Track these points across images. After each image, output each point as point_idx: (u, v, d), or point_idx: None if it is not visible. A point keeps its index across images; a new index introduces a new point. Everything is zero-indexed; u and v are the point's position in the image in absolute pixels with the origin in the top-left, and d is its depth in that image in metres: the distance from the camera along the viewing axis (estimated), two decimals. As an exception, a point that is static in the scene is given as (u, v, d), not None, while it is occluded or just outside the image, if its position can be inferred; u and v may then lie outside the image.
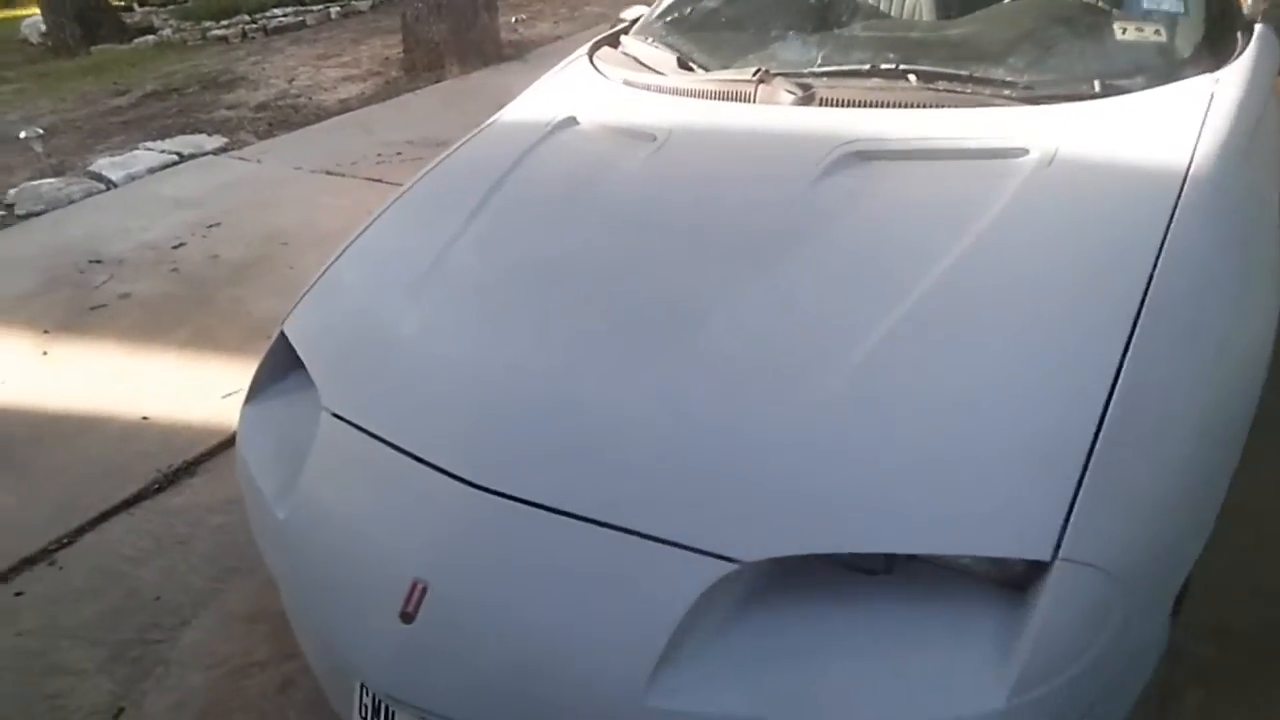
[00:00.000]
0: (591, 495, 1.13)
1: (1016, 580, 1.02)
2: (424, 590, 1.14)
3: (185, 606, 1.91)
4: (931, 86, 1.71)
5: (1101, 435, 1.05)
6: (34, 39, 8.74)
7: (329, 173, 4.43)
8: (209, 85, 6.53)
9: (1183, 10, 1.82)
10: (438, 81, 5.98)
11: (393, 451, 1.30)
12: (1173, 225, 1.29)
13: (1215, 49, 1.72)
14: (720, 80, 1.92)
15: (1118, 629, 1.00)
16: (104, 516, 2.22)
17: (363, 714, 1.28)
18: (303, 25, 8.34)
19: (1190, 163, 1.40)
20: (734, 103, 1.86)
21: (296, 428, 1.56)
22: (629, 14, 2.53)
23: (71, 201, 4.36)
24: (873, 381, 1.15)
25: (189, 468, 2.37)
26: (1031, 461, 1.06)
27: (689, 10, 2.37)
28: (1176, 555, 1.13)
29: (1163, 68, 1.69)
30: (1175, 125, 1.50)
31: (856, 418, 1.12)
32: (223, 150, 4.98)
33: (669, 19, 2.31)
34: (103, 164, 4.76)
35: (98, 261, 3.67)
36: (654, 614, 1.04)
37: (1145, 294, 1.20)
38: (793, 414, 1.14)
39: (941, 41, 1.93)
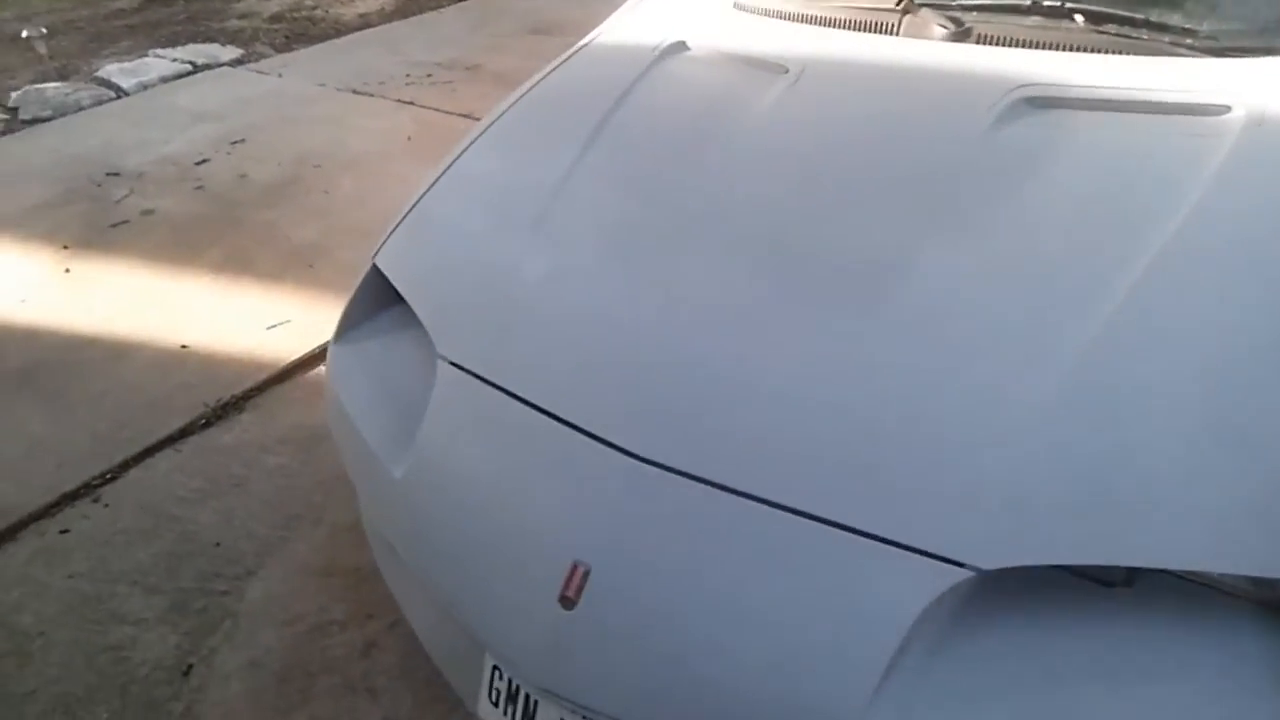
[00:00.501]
0: (793, 482, 0.99)
1: None
2: (586, 574, 1.01)
3: (248, 555, 1.78)
4: (1101, 30, 1.54)
5: None
6: (22, -69, 8.21)
7: (356, 92, 4.18)
8: (217, -9, 6.17)
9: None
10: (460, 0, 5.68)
11: (533, 412, 1.16)
12: None
13: None
14: (857, 8, 1.74)
15: None
16: (148, 452, 2.07)
17: (493, 697, 1.17)
18: (312, -67, 7.89)
19: None
20: (874, 35, 1.69)
21: (399, 372, 1.42)
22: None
23: (81, 108, 4.09)
24: (1112, 369, 1.01)
25: (237, 403, 2.22)
26: None
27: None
28: None
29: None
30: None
31: (1097, 411, 0.99)
32: (239, 62, 4.69)
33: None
34: (111, 70, 4.46)
35: (115, 174, 3.44)
36: (875, 623, 0.90)
37: None
38: (1023, 404, 0.99)
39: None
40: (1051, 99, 1.42)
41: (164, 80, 4.39)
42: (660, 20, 1.93)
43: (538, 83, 1.84)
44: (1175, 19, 1.53)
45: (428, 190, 1.61)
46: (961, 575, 0.90)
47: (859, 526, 0.94)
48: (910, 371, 1.05)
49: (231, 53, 4.78)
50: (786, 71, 1.62)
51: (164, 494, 1.95)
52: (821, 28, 1.74)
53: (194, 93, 4.26)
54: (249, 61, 4.71)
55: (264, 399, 2.25)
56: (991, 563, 0.90)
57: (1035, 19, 1.59)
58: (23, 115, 4.03)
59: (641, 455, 1.05)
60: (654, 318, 1.20)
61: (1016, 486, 0.94)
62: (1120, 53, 1.49)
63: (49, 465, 2.03)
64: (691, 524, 1.01)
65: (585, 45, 1.98)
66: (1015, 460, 0.96)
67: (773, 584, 0.95)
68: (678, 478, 1.03)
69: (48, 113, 4.02)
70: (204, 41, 5.01)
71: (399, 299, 1.53)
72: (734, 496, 0.99)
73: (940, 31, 1.62)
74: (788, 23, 1.78)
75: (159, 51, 4.77)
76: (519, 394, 1.19)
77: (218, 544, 1.81)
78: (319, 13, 5.60)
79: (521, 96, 1.80)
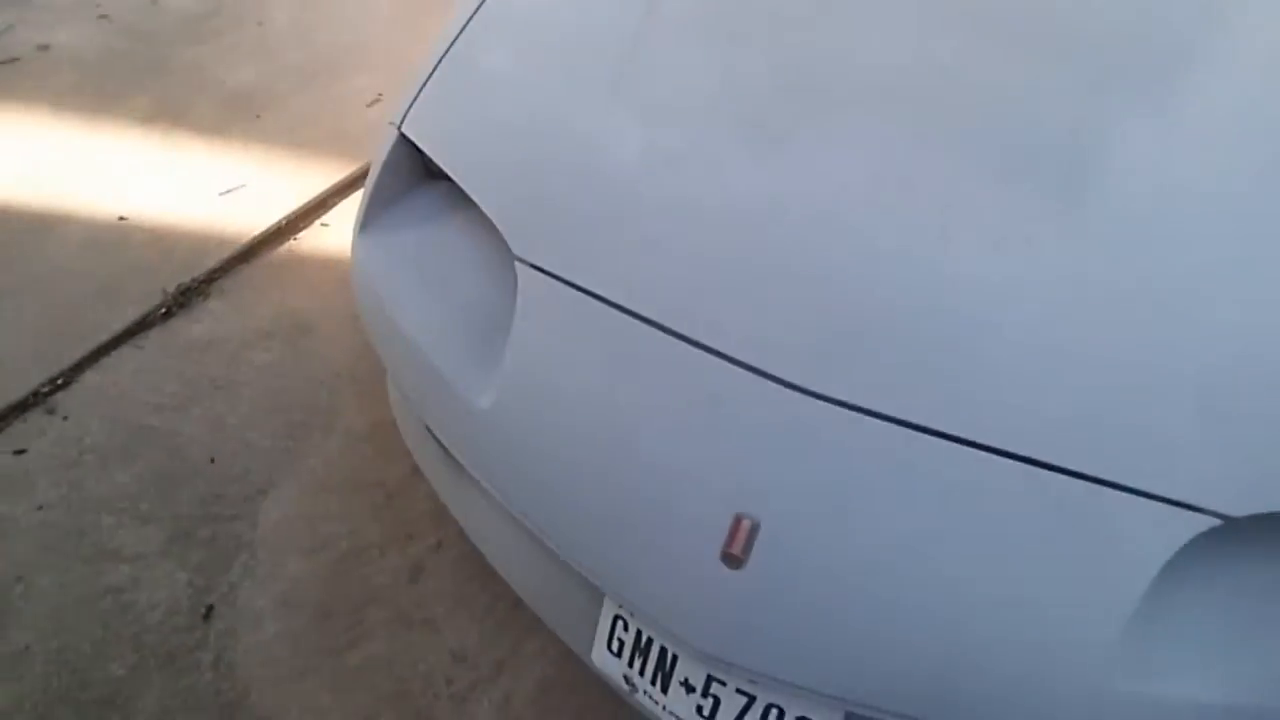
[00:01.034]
0: (1011, 424, 0.81)
1: None
2: (753, 529, 0.83)
3: (253, 472, 1.54)
4: None
5: None
6: None
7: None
8: None
9: None
10: None
11: (660, 334, 0.93)
12: None
13: None
14: None
15: None
16: (104, 350, 1.75)
17: (614, 647, 1.01)
18: None
19: None
20: None
21: (454, 272, 1.17)
22: None
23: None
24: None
25: (200, 287, 1.89)
26: None
27: None
28: None
29: None
30: None
31: None
32: None
33: None
34: None
35: (-11, -2, 2.84)
36: (1114, 575, 0.78)
37: None
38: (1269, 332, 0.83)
39: None
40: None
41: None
42: None
43: None
44: None
45: (459, 35, 1.28)
46: (1209, 523, 0.78)
47: (1093, 473, 0.79)
48: (1139, 291, 0.86)
49: None
50: None
51: (134, 401, 1.66)
52: None
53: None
54: None
55: (231, 282, 1.93)
56: (1241, 509, 0.78)
57: None
58: None
59: (815, 391, 0.86)
60: (802, 213, 0.96)
61: (1262, 428, 0.80)
62: None
63: (-18, 369, 1.71)
64: (889, 470, 0.83)
65: None
66: (1259, 398, 0.81)
67: (988, 535, 0.80)
68: (863, 418, 0.84)
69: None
70: None
71: (433, 175, 1.25)
72: (929, 438, 0.81)
73: None
74: None
75: None
76: (636, 310, 0.96)
77: (212, 460, 1.56)
78: None
79: None
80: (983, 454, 0.80)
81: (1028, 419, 0.82)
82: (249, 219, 2.06)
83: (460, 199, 1.23)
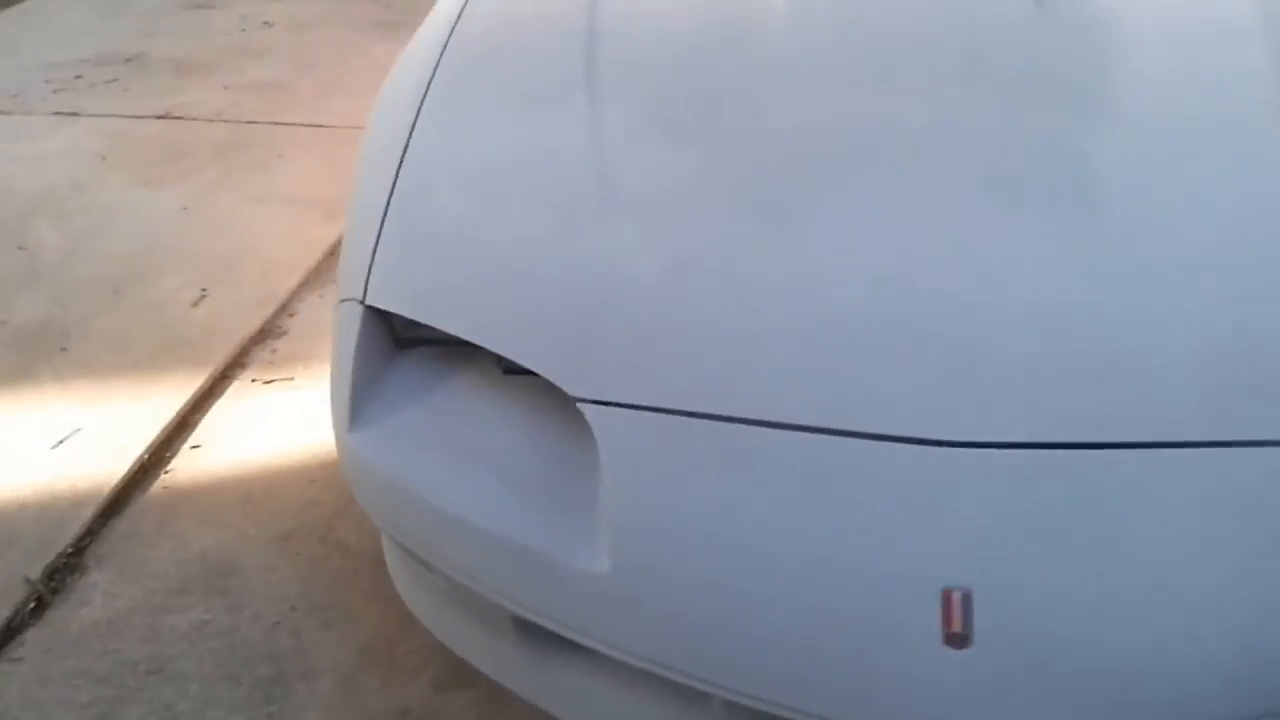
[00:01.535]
0: (1187, 410, 0.84)
1: None
2: (966, 598, 0.79)
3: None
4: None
5: None
6: None
7: (-18, 113, 3.14)
8: None
9: None
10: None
11: (770, 431, 0.88)
12: None
13: None
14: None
15: None
16: (-30, 677, 1.38)
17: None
18: None
19: None
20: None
21: (484, 437, 1.03)
22: None
23: None
24: None
25: (72, 562, 1.54)
26: None
27: None
28: None
29: None
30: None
31: None
32: None
33: None
34: None
35: None
36: None
37: None
38: None
39: None
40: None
41: None
42: None
43: (445, 31, 1.42)
44: None
45: (391, 193, 1.18)
46: None
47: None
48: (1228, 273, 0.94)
49: None
50: None
51: (37, 727, 1.31)
52: None
53: None
54: None
55: (108, 544, 1.60)
56: None
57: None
58: None
59: (979, 441, 0.84)
60: (873, 271, 0.96)
61: None
62: None
63: None
64: (1096, 502, 0.82)
65: None
66: None
67: (1246, 532, 0.80)
68: (1039, 452, 0.83)
69: None
70: None
71: (402, 343, 1.13)
72: (1153, 451, 0.82)
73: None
74: None
75: None
76: (743, 416, 0.90)
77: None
78: None
79: (434, 50, 1.38)
80: (1184, 451, 0.81)
81: (1205, 402, 0.83)
82: (100, 466, 1.73)
83: (451, 358, 1.11)
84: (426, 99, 1.29)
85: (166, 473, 1.75)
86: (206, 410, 1.89)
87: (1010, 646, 0.78)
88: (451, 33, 1.41)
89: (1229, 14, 1.26)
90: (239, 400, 1.91)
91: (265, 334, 2.09)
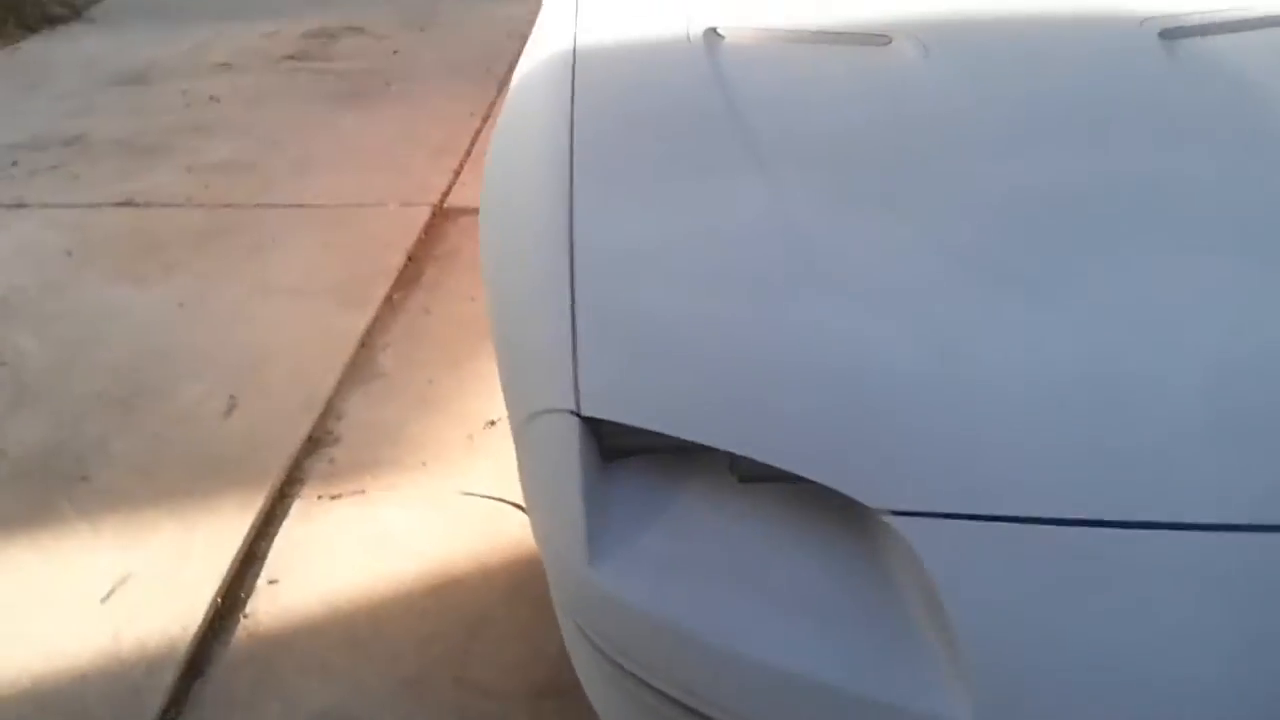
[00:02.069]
0: None
1: None
2: None
3: None
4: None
5: None
6: None
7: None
8: None
9: None
10: (-39, 59, 4.11)
11: (1139, 533, 0.82)
12: None
13: None
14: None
15: None
16: None
17: None
18: None
19: None
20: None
21: (755, 560, 0.92)
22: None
23: None
24: None
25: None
26: None
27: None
28: None
29: None
30: None
31: None
32: None
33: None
34: None
35: None
36: None
37: None
38: None
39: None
40: (1185, 28, 1.40)
41: None
42: (630, 12, 1.53)
43: (562, 106, 1.32)
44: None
45: (573, 283, 1.06)
46: None
47: None
48: None
49: None
50: (890, 42, 1.38)
51: None
52: None
53: None
54: None
55: (199, 714, 1.37)
56: None
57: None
58: None
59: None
60: (1164, 339, 0.94)
61: None
62: None
63: None
64: None
65: (550, 58, 1.48)
66: None
67: None
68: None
69: None
70: None
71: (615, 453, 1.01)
72: None
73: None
74: None
75: None
76: (1084, 517, 0.84)
77: None
78: None
79: (557, 127, 1.29)
80: None
81: None
82: (165, 618, 1.50)
83: (667, 466, 1.00)
84: (577, 179, 1.19)
85: (245, 616, 1.53)
86: (273, 536, 1.68)
87: None
88: (573, 106, 1.31)
89: None
90: (308, 522, 1.71)
91: (316, 442, 1.89)
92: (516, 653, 1.44)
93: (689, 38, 1.42)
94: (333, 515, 1.72)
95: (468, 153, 3.14)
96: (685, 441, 0.95)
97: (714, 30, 1.44)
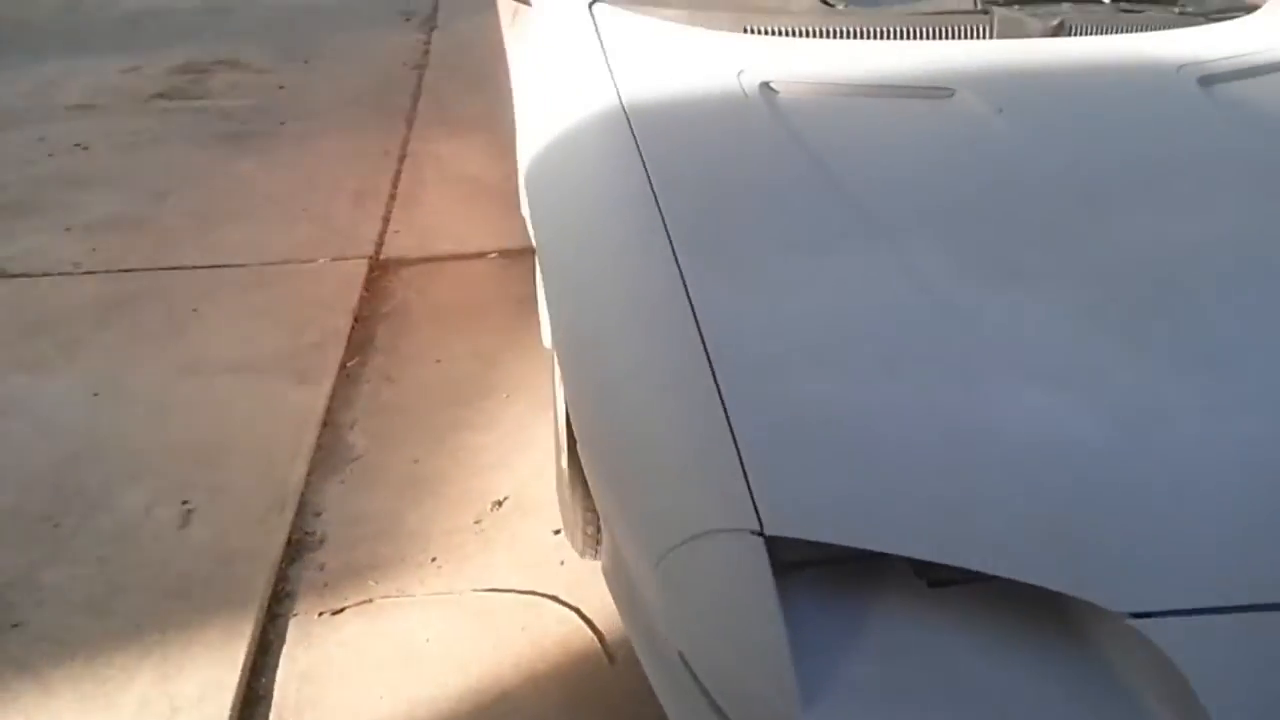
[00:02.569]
0: None
1: None
2: None
3: None
4: (1135, 8, 1.60)
5: None
6: None
7: None
8: None
9: None
10: None
11: None
12: None
13: None
14: (932, 14, 1.50)
15: None
16: None
17: None
18: None
19: None
20: (972, 41, 1.48)
21: (997, 683, 0.83)
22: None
23: None
24: None
25: None
26: None
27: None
28: None
29: None
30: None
31: None
32: None
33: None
34: None
35: None
36: None
37: None
38: None
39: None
40: (1220, 74, 1.42)
41: None
42: (676, 69, 1.43)
43: (638, 185, 1.19)
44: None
45: (718, 385, 0.94)
46: None
47: None
48: None
49: None
50: (953, 94, 1.34)
51: None
52: (900, 41, 1.47)
53: None
54: None
55: None
56: None
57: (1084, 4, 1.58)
58: None
59: None
60: None
61: None
62: (1180, 26, 1.56)
63: None
64: None
65: (596, 120, 1.35)
66: None
67: None
68: None
69: None
70: None
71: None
72: None
73: (1036, 25, 1.49)
74: (845, 41, 1.46)
75: None
76: None
77: None
78: None
79: (639, 208, 1.16)
80: None
81: None
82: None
83: (852, 581, 0.89)
84: (686, 268, 1.06)
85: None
86: (273, 669, 1.43)
87: None
88: (651, 182, 1.18)
89: None
90: (311, 645, 1.47)
91: (299, 547, 1.64)
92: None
93: (745, 93, 1.32)
94: (340, 634, 1.49)
95: (392, 196, 2.91)
96: (877, 553, 0.84)
97: (768, 85, 1.34)
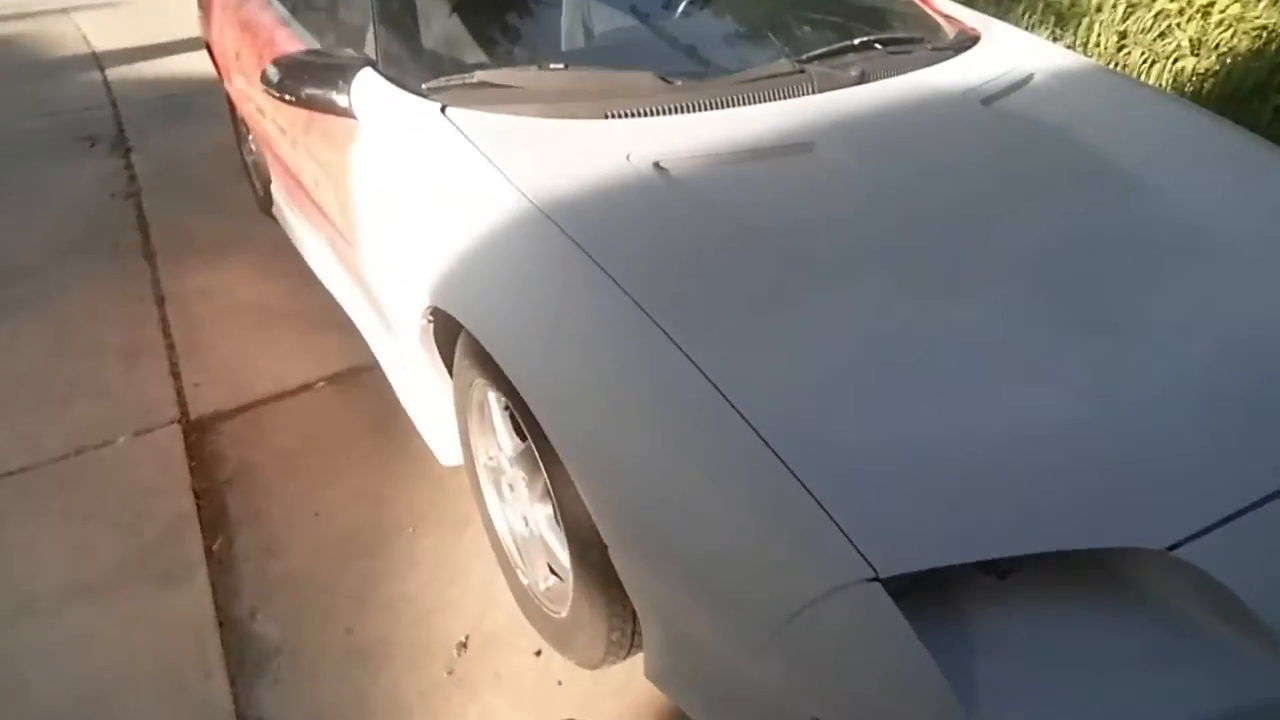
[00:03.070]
0: None
1: None
2: None
3: None
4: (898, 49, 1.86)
5: None
6: None
7: None
8: None
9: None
10: None
11: None
12: None
13: None
14: (762, 79, 1.65)
15: None
16: None
17: None
18: None
19: None
20: (802, 98, 1.65)
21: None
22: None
23: None
24: None
25: None
26: None
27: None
28: None
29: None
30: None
31: None
32: None
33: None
34: None
35: None
36: None
37: None
38: None
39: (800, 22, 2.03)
40: (994, 93, 1.72)
41: None
42: (569, 157, 1.47)
43: (582, 267, 1.23)
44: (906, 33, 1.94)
45: (786, 459, 1.01)
46: None
47: None
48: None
49: None
50: (812, 146, 1.52)
51: None
52: (742, 107, 1.60)
53: None
54: None
55: None
56: None
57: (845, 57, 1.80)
58: None
59: None
60: None
61: None
62: (910, 69, 1.83)
63: None
64: None
65: (512, 222, 1.35)
66: None
67: None
68: None
69: None
70: None
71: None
72: None
73: (845, 78, 1.70)
74: (693, 115, 1.58)
75: None
76: None
77: None
78: None
79: (595, 288, 1.21)
80: None
81: None
82: None
83: (936, 598, 0.99)
84: (682, 342, 1.11)
85: None
86: None
87: None
88: (610, 276, 1.21)
89: None
90: None
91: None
92: None
93: (640, 174, 1.39)
94: None
95: (170, 346, 2.58)
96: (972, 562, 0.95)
97: (658, 164, 1.41)
